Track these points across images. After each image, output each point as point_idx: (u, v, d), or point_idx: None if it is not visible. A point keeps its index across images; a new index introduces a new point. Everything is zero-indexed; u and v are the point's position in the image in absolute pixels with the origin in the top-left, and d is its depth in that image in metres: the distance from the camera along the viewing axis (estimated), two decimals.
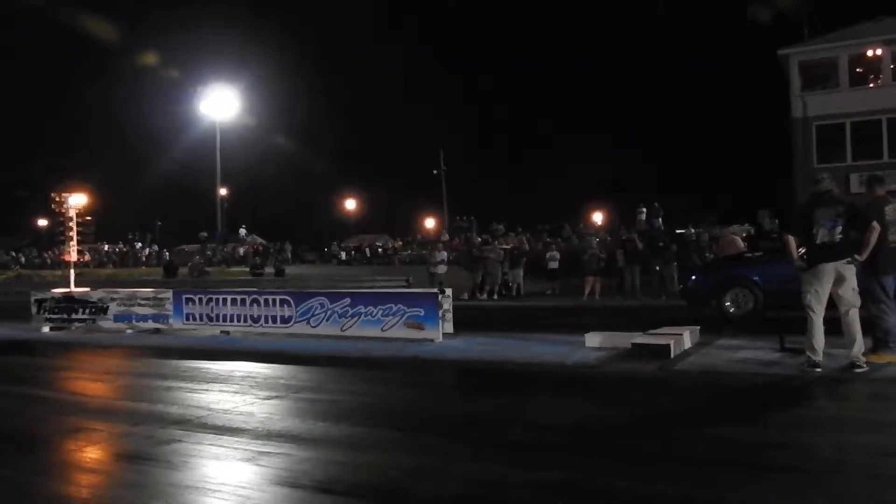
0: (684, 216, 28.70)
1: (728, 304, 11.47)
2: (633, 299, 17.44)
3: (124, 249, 43.00)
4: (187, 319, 12.31)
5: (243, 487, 3.93)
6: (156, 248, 42.97)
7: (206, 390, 7.11)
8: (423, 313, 10.06)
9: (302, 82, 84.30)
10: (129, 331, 12.81)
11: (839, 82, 27.08)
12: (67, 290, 14.65)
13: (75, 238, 16.10)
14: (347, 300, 10.78)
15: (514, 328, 11.48)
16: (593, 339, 8.75)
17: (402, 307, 10.21)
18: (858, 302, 6.62)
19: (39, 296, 14.14)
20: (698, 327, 9.01)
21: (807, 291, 6.67)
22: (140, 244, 44.71)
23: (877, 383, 6.25)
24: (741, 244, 17.27)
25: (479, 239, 24.28)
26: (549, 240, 27.78)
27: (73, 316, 13.52)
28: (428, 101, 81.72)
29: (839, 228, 6.57)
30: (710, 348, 8.33)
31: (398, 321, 10.21)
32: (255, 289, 13.47)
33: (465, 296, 19.43)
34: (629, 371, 7.27)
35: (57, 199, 15.80)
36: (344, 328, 10.66)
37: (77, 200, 15.98)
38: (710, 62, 66.59)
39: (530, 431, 5.06)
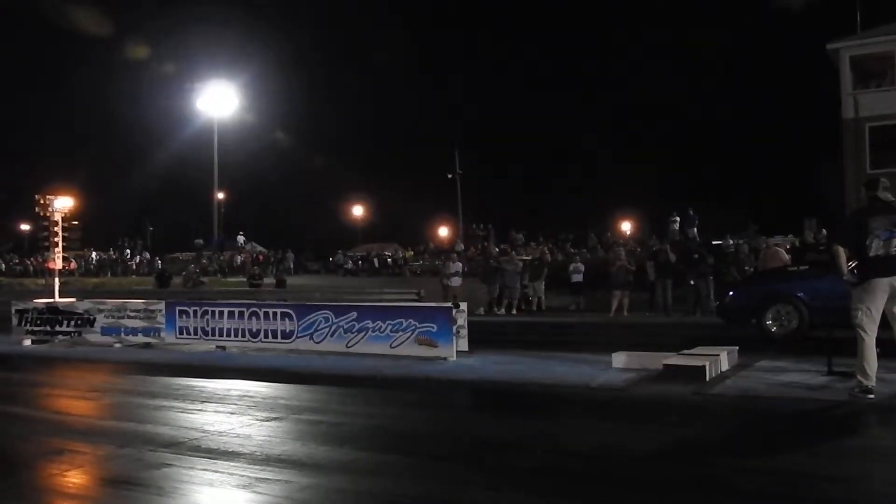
0: (722, 226, 28.53)
1: (769, 322, 11.39)
2: (665, 316, 17.37)
3: (113, 257, 43.33)
4: (180, 333, 12.38)
5: None
6: (147, 255, 43.27)
7: (200, 410, 7.14)
8: (435, 329, 10.06)
9: (305, 80, 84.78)
10: (117, 345, 12.90)
11: (895, 79, 26.90)
12: (51, 300, 14.79)
13: (61, 244, 16.26)
14: (354, 314, 10.80)
15: (534, 346, 11.46)
16: (621, 360, 8.71)
17: (413, 322, 10.23)
18: None
19: (21, 306, 14.26)
20: (737, 348, 8.96)
21: (858, 309, 6.58)
22: (130, 251, 45.05)
23: None
24: (785, 257, 17.18)
25: (497, 249, 24.32)
26: (572, 250, 27.77)
27: (58, 328, 13.63)
28: (442, 99, 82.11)
29: None
30: (751, 370, 8.27)
31: (408, 337, 10.22)
32: (254, 301, 13.53)
33: (482, 310, 19.44)
34: (660, 394, 7.22)
35: (41, 201, 15.96)
36: (350, 344, 10.68)
37: (63, 203, 16.15)
38: (752, 57, 66.25)
39: (551, 458, 5.04)
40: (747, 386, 7.37)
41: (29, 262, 41.11)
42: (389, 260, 38.48)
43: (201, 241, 43.35)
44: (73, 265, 36.71)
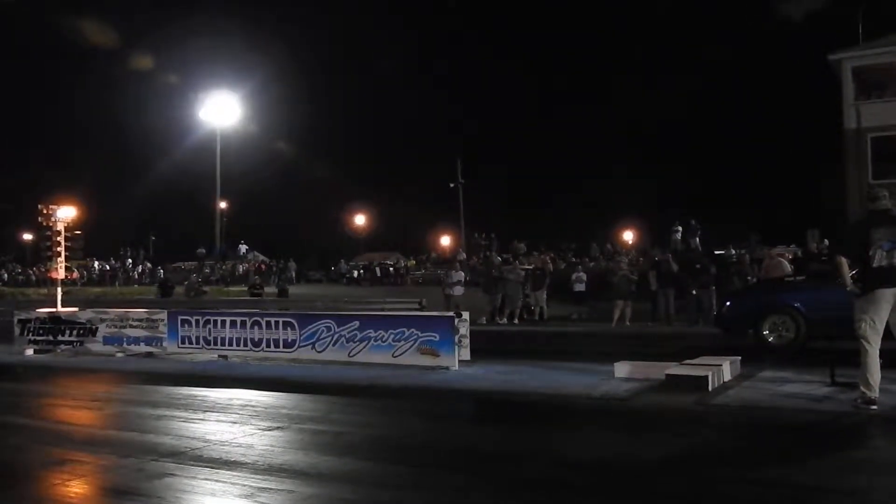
0: (724, 235, 28.54)
1: (767, 332, 11.38)
2: (667, 326, 17.35)
3: (116, 266, 43.43)
4: (182, 343, 12.39)
5: None
6: (149, 265, 43.42)
7: (202, 420, 7.14)
8: (437, 338, 10.07)
9: (307, 90, 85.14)
10: (119, 354, 12.90)
11: None
12: (54, 309, 14.80)
13: (63, 254, 16.29)
14: (356, 323, 10.81)
15: (536, 356, 11.45)
16: (623, 369, 8.70)
17: (415, 331, 10.24)
18: None
19: (23, 316, 14.28)
20: (739, 358, 8.94)
21: (861, 320, 6.57)
22: (132, 261, 45.13)
23: None
24: (787, 267, 17.14)
25: (499, 258, 24.31)
26: (575, 260, 27.81)
27: (60, 338, 13.63)
28: (444, 108, 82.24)
29: None
30: (753, 381, 8.25)
31: (411, 347, 10.23)
32: (257, 310, 13.55)
33: (484, 320, 19.43)
34: (663, 404, 7.21)
35: (44, 211, 16.01)
36: (352, 354, 10.68)
37: (65, 213, 16.20)
38: (754, 67, 66.40)
39: (553, 468, 5.03)
40: (750, 396, 7.36)
41: (31, 272, 41.23)
42: (391, 269, 38.52)
43: (203, 251, 43.42)
44: (76, 275, 36.82)
